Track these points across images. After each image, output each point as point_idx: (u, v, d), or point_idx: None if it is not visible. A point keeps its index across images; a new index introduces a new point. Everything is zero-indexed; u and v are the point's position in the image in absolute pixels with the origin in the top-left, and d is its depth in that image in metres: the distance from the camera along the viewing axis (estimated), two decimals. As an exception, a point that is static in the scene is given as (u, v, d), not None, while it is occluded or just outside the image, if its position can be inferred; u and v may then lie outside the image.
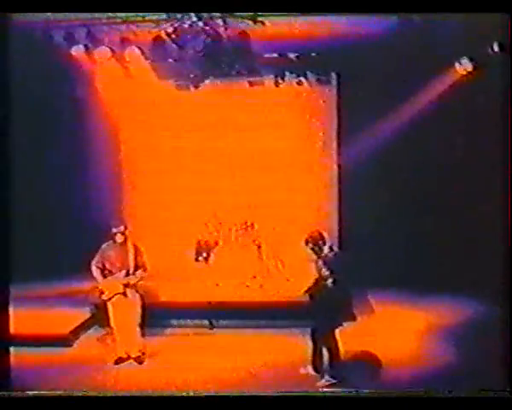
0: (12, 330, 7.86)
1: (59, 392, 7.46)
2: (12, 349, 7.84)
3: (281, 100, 12.16)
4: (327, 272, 7.86)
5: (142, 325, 8.75)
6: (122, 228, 8.69)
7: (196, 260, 11.26)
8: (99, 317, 9.33)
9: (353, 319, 9.57)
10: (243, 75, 11.91)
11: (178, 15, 9.66)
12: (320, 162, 12.31)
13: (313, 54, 11.14)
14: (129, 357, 8.68)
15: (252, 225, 11.41)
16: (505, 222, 7.69)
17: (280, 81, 11.81)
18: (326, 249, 7.94)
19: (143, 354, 8.74)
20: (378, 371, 8.02)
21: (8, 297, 7.78)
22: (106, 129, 12.06)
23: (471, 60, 9.56)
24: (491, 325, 7.90)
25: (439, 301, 9.81)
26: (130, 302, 8.61)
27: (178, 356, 8.81)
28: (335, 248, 8.07)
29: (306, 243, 8.02)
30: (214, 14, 9.63)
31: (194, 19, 9.74)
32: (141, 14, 9.52)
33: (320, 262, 7.91)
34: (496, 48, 8.52)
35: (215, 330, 9.82)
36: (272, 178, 12.44)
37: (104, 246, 8.71)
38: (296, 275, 10.64)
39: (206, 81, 11.71)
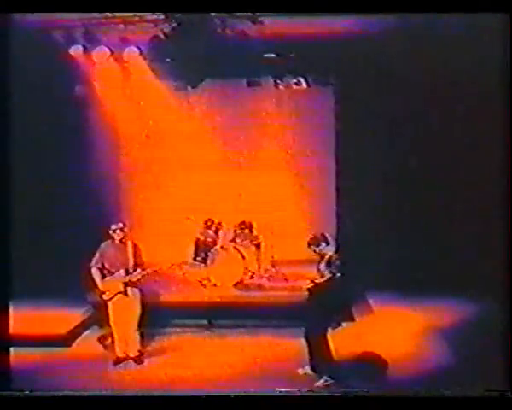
0: (12, 330, 7.86)
1: (58, 392, 7.45)
2: (12, 349, 7.84)
3: (279, 100, 12.19)
4: (328, 274, 7.85)
5: (141, 325, 8.75)
6: (121, 225, 8.69)
7: (195, 259, 11.25)
8: (98, 317, 9.34)
9: (352, 319, 9.60)
10: (242, 75, 11.94)
11: (177, 15, 9.66)
12: (318, 162, 12.34)
13: (312, 54, 11.13)
14: (128, 357, 8.68)
15: (250, 224, 11.40)
16: (505, 222, 7.70)
17: (279, 81, 11.83)
18: (329, 251, 7.93)
19: (142, 354, 8.75)
20: (377, 371, 8.01)
21: (8, 297, 7.78)
22: (104, 129, 12.06)
23: (470, 59, 9.56)
24: (491, 325, 7.90)
25: (439, 301, 9.79)
26: (131, 301, 8.60)
27: (177, 356, 8.82)
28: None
29: (309, 244, 8.01)
30: (213, 14, 9.63)
31: (193, 19, 9.74)
32: (139, 13, 9.53)
33: (322, 264, 7.91)
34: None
35: (214, 330, 9.83)
36: (271, 178, 12.48)
37: (103, 245, 8.71)
38: (295, 275, 10.65)
39: (205, 81, 11.72)
